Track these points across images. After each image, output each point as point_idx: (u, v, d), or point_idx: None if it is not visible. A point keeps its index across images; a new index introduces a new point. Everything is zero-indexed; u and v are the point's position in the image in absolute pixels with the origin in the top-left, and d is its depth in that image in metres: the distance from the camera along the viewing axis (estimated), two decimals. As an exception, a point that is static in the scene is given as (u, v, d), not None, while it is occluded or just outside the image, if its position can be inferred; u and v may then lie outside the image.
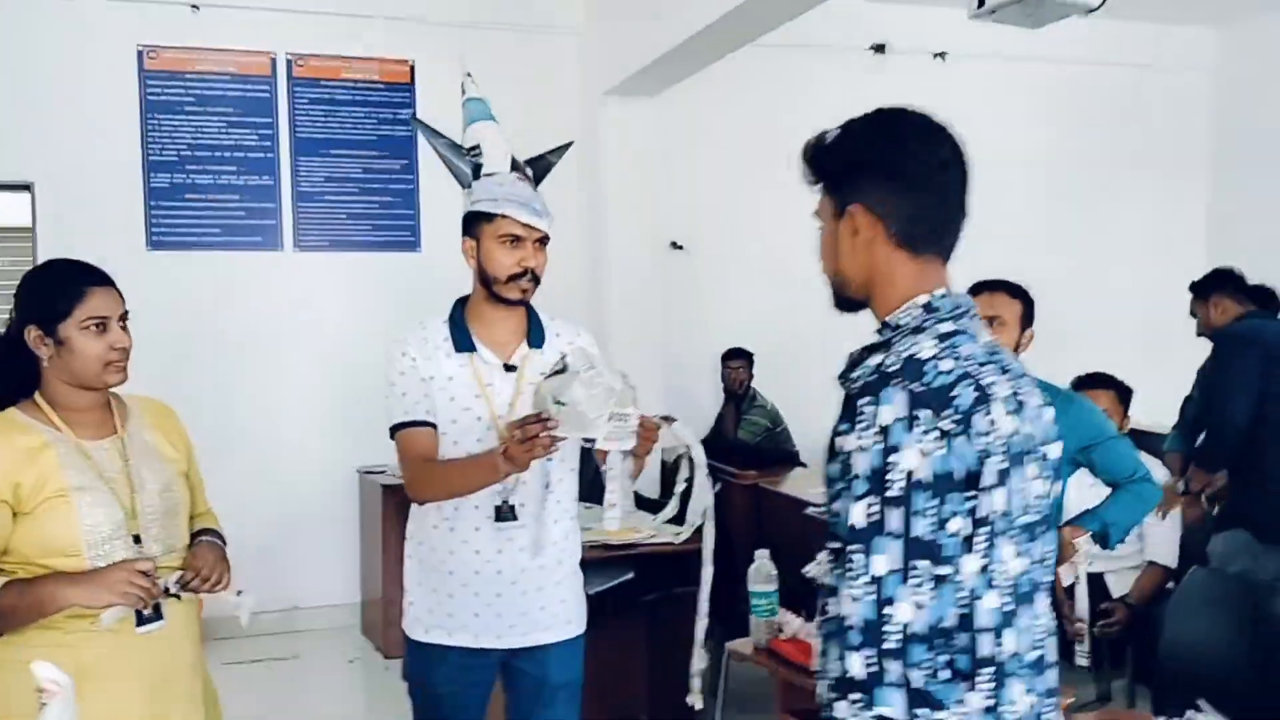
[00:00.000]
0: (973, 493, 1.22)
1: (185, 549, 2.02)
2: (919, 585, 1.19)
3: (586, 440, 1.93)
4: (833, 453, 1.29)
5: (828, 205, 1.40)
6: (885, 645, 1.19)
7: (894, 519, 1.20)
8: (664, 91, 5.04)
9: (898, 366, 1.25)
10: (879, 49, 5.71)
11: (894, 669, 1.19)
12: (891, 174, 1.33)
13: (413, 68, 5.03)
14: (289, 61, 4.87)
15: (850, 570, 1.21)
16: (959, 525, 1.21)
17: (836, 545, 1.28)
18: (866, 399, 1.24)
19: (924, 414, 1.21)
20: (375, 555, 4.76)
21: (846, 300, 1.41)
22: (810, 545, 3.50)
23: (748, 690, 3.81)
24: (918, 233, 1.34)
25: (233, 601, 1.96)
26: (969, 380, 1.24)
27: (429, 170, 5.06)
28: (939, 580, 1.20)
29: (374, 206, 5.02)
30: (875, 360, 1.29)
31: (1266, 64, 6.11)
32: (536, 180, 2.24)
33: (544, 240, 2.18)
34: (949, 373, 1.24)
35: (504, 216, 2.13)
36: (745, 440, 5.24)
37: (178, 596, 1.90)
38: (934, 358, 1.25)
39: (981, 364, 1.28)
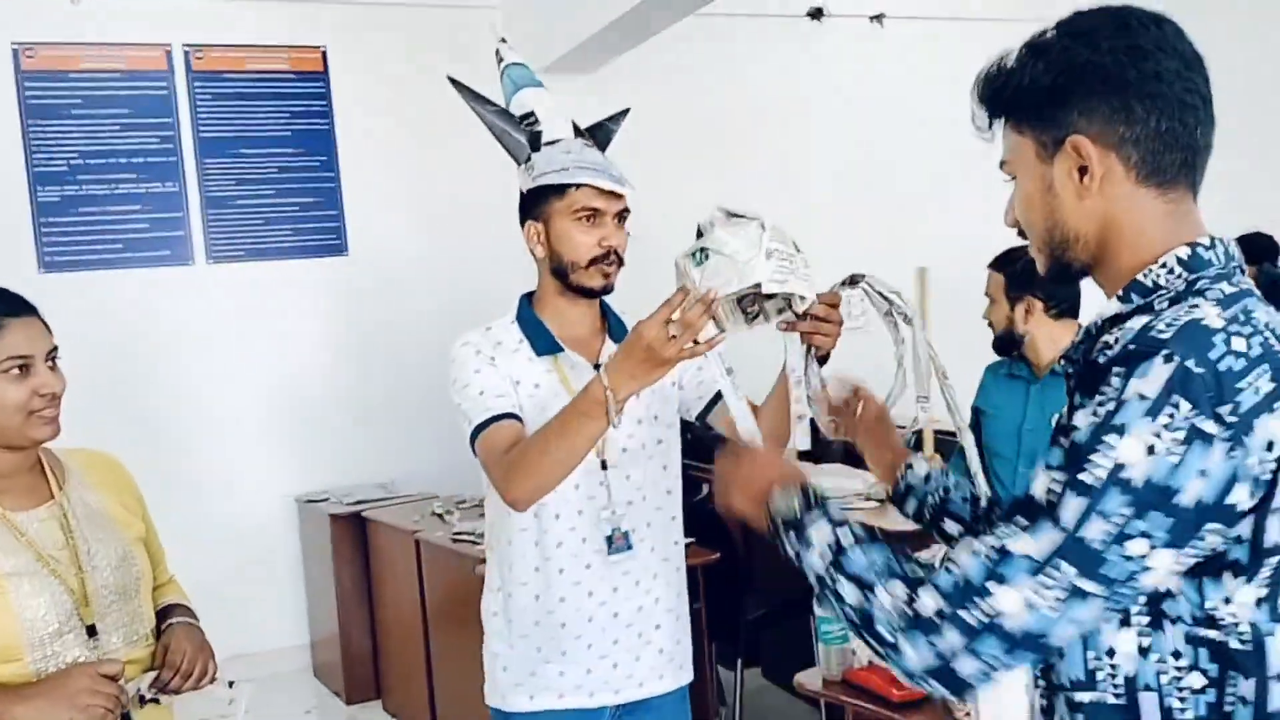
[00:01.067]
0: (1217, 525, 0.93)
1: (151, 634, 1.65)
2: (1047, 588, 0.96)
3: (749, 295, 1.49)
4: (1059, 436, 1.01)
5: (1027, 147, 1.07)
6: (962, 614, 0.98)
7: (1070, 509, 0.95)
8: (600, 69, 4.71)
9: (1171, 333, 0.94)
10: (816, 14, 5.46)
11: (949, 642, 0.98)
12: (1122, 85, 1.00)
13: (325, 54, 4.60)
14: (186, 54, 4.39)
15: (994, 531, 1.00)
16: (1142, 550, 0.94)
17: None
18: (1119, 369, 0.95)
19: (1182, 405, 0.91)
20: (325, 590, 4.35)
21: (1067, 267, 1.09)
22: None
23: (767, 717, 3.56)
24: (1167, 160, 1.02)
25: (224, 696, 1.59)
26: (1266, 365, 0.94)
27: (352, 165, 4.66)
28: (1075, 594, 0.95)
29: (293, 209, 4.58)
30: (1135, 324, 0.99)
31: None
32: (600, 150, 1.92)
33: (624, 214, 1.86)
34: (1242, 355, 0.93)
35: (579, 187, 1.79)
36: (700, 432, 4.94)
37: (156, 701, 1.52)
38: (1225, 329, 0.94)
39: None
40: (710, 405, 1.95)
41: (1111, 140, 1.02)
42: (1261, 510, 0.94)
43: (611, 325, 1.92)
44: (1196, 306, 0.97)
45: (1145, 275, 1.03)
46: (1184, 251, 1.02)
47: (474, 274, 4.73)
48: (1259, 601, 0.97)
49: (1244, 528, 0.95)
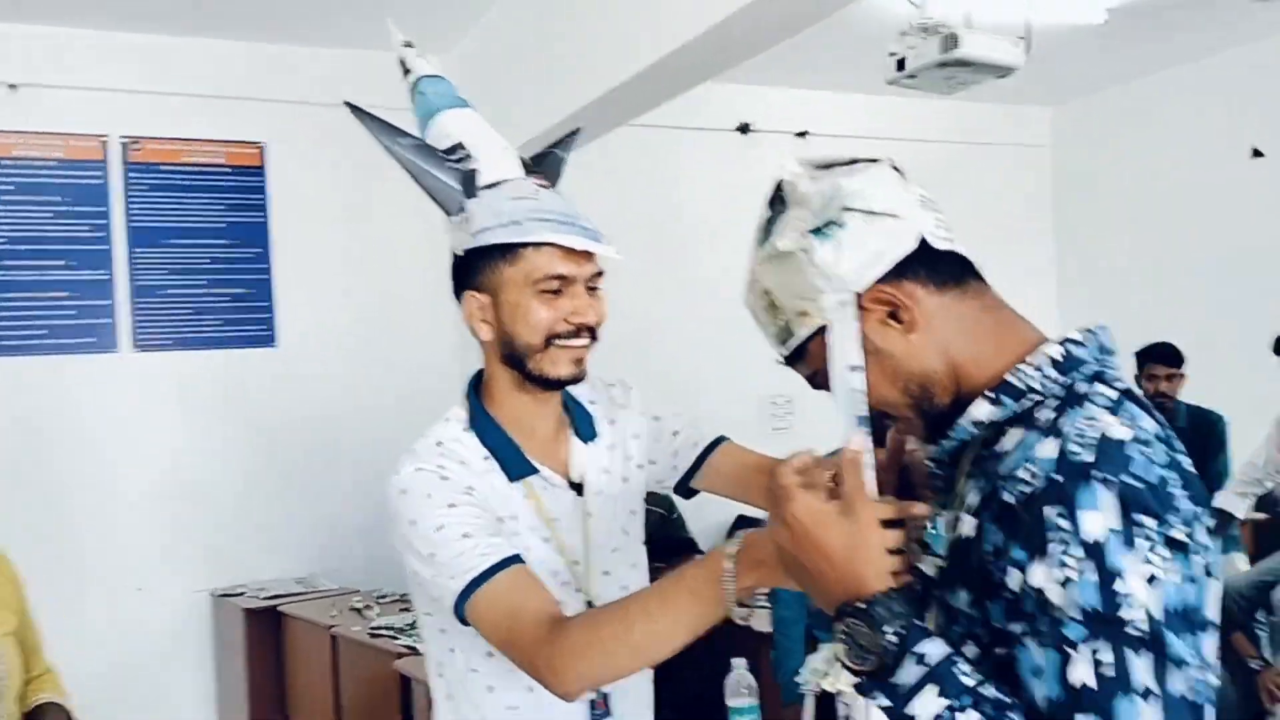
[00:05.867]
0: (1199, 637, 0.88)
1: None
2: None
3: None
4: (980, 582, 0.93)
5: (816, 344, 1.04)
6: None
7: (1142, 670, 0.83)
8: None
9: (1090, 455, 0.88)
10: (744, 129, 5.68)
11: None
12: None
13: (263, 150, 4.66)
14: (124, 145, 4.42)
15: None
16: (1215, 681, 0.87)
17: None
18: (1056, 507, 0.86)
19: (1145, 521, 0.85)
20: (238, 689, 4.24)
21: (941, 415, 1.02)
22: (735, 640, 3.27)
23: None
24: (941, 257, 1.01)
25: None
26: (1176, 471, 0.89)
27: (286, 258, 4.69)
28: None
29: (224, 299, 4.58)
30: (1044, 451, 0.90)
31: (1094, 138, 6.42)
32: None
33: (598, 279, 1.42)
34: (1157, 464, 0.88)
35: (538, 247, 1.35)
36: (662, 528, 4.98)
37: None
38: (1135, 439, 0.89)
39: (1169, 444, 0.92)
40: (695, 467, 1.56)
41: (895, 274, 1.00)
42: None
43: (575, 418, 1.51)
44: (1094, 419, 0.91)
45: (1015, 375, 0.98)
46: (1057, 351, 0.98)
47: (405, 369, 4.75)
48: None
49: None
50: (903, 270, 1.00)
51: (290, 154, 4.70)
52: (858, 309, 1.00)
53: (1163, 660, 0.84)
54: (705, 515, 5.49)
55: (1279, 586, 3.68)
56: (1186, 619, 0.86)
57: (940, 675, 0.88)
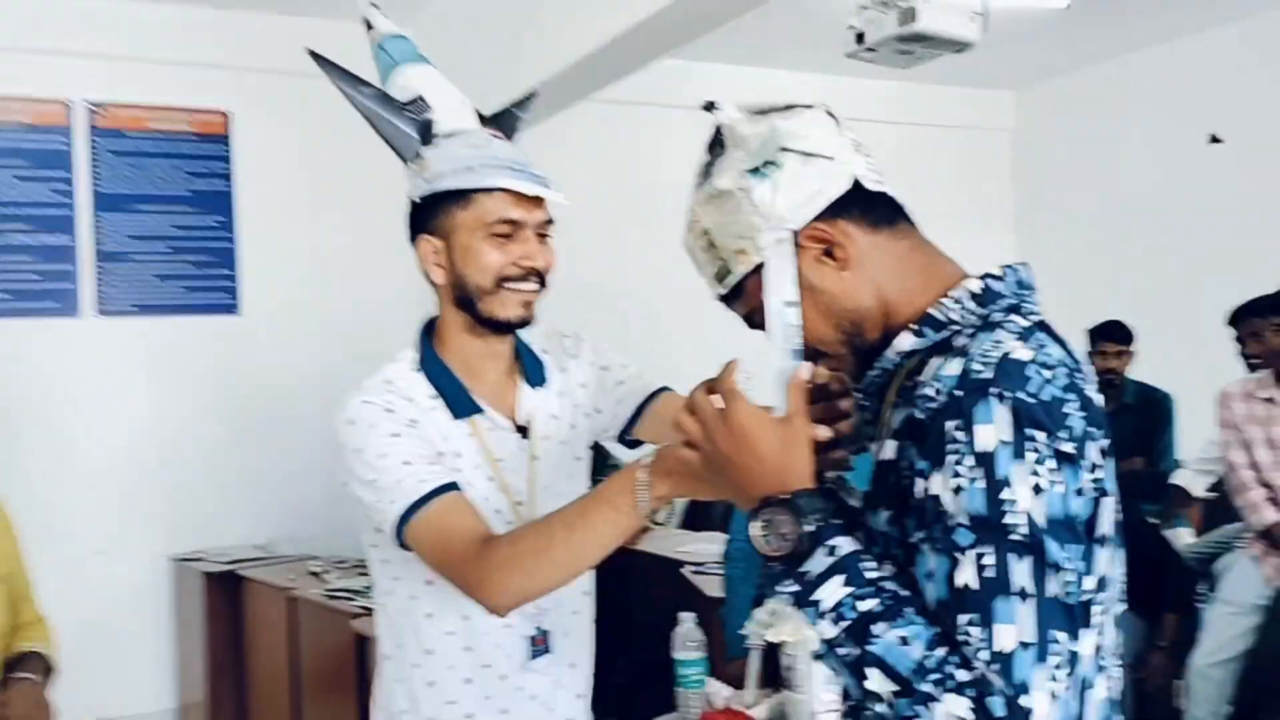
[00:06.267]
0: (1085, 546, 0.93)
1: None
2: (1058, 667, 0.88)
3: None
4: (899, 500, 0.98)
5: (754, 282, 1.07)
6: None
7: (1021, 572, 0.88)
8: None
9: (990, 372, 0.92)
10: (709, 107, 5.71)
11: None
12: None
13: (228, 118, 4.67)
14: (88, 110, 4.42)
15: (967, 646, 0.89)
16: (1091, 586, 0.92)
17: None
18: (955, 420, 0.92)
19: (1037, 435, 0.90)
20: (196, 653, 4.27)
21: (869, 352, 1.06)
22: (687, 609, 3.32)
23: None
24: (879, 195, 1.05)
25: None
26: (1075, 394, 0.94)
27: (248, 225, 4.70)
28: (1074, 659, 0.89)
29: (187, 266, 4.59)
30: (949, 369, 0.95)
31: (1057, 122, 6.49)
32: None
33: (548, 226, 1.48)
34: (1052, 381, 0.92)
35: (490, 192, 1.41)
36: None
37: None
38: (1034, 360, 0.93)
39: (1074, 370, 0.97)
40: (637, 415, 1.60)
41: (828, 213, 1.04)
42: (1088, 539, 0.93)
43: (525, 365, 1.56)
44: (1000, 342, 0.96)
45: (937, 309, 1.03)
46: (976, 285, 1.03)
47: (366, 338, 4.77)
48: (1097, 649, 0.94)
49: None
50: (838, 210, 1.04)
51: (255, 122, 4.71)
52: (794, 247, 1.04)
53: (1041, 564, 0.89)
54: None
55: (1221, 558, 3.77)
56: (1070, 528, 0.91)
57: (846, 566, 0.95)
